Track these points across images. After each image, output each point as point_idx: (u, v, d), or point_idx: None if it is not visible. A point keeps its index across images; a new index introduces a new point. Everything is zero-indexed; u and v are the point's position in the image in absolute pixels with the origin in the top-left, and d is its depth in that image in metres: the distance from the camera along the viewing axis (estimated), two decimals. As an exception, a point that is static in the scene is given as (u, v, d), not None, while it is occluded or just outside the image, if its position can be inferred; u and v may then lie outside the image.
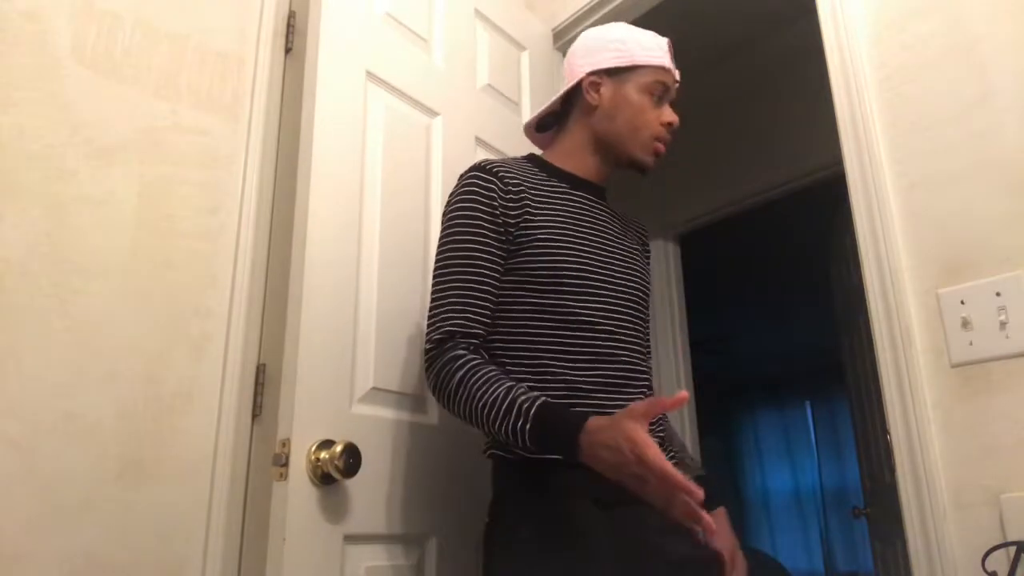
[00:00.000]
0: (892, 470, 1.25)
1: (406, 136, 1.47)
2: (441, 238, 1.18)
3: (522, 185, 1.19)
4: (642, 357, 1.20)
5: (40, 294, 1.23)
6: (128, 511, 1.26)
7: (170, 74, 1.48)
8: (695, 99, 2.92)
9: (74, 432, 1.22)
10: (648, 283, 1.28)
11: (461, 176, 1.21)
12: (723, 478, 7.36)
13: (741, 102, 2.88)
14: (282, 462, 1.12)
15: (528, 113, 1.80)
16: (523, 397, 1.02)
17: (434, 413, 1.37)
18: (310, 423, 1.16)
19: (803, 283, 4.83)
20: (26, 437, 1.17)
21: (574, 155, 1.28)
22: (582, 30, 1.83)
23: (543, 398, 1.02)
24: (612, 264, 1.20)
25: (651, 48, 1.25)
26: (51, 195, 1.27)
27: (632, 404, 0.95)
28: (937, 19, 1.28)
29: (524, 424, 1.00)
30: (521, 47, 1.87)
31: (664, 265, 2.88)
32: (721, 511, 1.20)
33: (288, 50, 1.66)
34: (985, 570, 1.06)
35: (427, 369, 1.12)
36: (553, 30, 1.99)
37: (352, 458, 1.14)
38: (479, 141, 1.64)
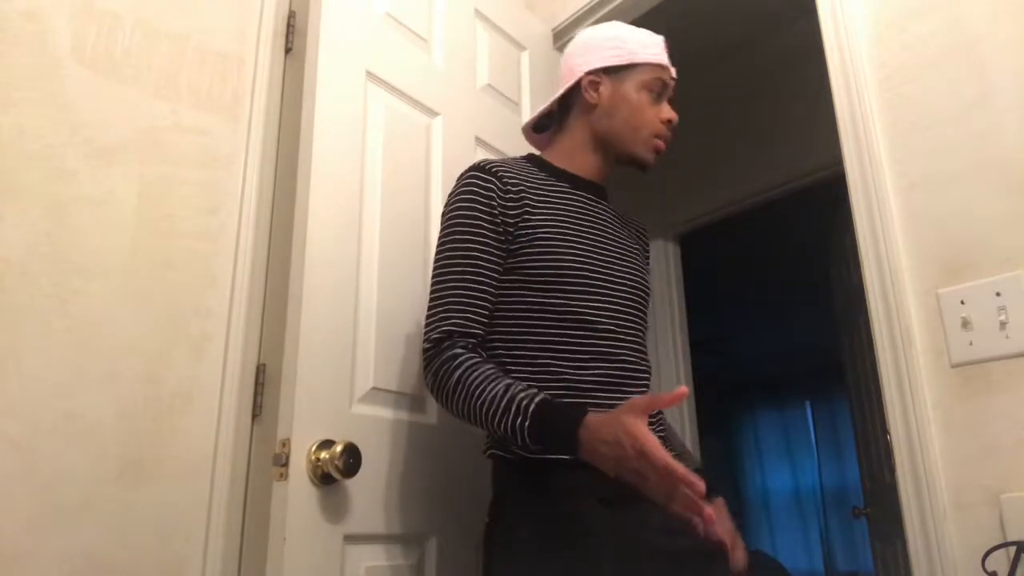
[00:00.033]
0: (892, 470, 1.25)
1: (406, 136, 1.47)
2: (440, 238, 1.18)
3: (521, 185, 1.19)
4: (642, 356, 1.20)
5: (40, 294, 1.23)
6: (128, 511, 1.26)
7: (170, 74, 1.48)
8: (695, 99, 2.92)
9: (74, 432, 1.22)
10: (648, 282, 1.28)
11: (460, 176, 1.21)
12: (723, 478, 7.35)
13: (741, 102, 2.88)
14: (282, 462, 1.12)
15: (528, 113, 1.80)
16: (522, 394, 1.02)
17: (434, 413, 1.37)
18: (310, 423, 1.16)
19: (803, 283, 4.83)
20: (26, 437, 1.17)
21: (574, 154, 1.28)
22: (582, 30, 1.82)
23: (542, 395, 1.02)
24: (612, 263, 1.20)
25: (649, 46, 1.26)
26: (51, 195, 1.27)
27: (632, 399, 0.95)
28: (937, 19, 1.28)
29: (523, 421, 1.00)
30: (521, 47, 1.87)
31: (664, 265, 2.88)
32: (720, 501, 1.20)
33: (288, 50, 1.66)
34: (985, 570, 1.06)
35: (425, 368, 1.12)
36: (553, 30, 1.99)
37: (352, 458, 1.14)
38: (479, 141, 1.64)
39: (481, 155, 1.63)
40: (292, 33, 1.67)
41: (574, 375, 1.11)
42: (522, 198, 1.17)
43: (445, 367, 1.08)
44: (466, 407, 1.06)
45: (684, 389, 0.90)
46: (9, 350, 1.18)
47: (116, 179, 1.36)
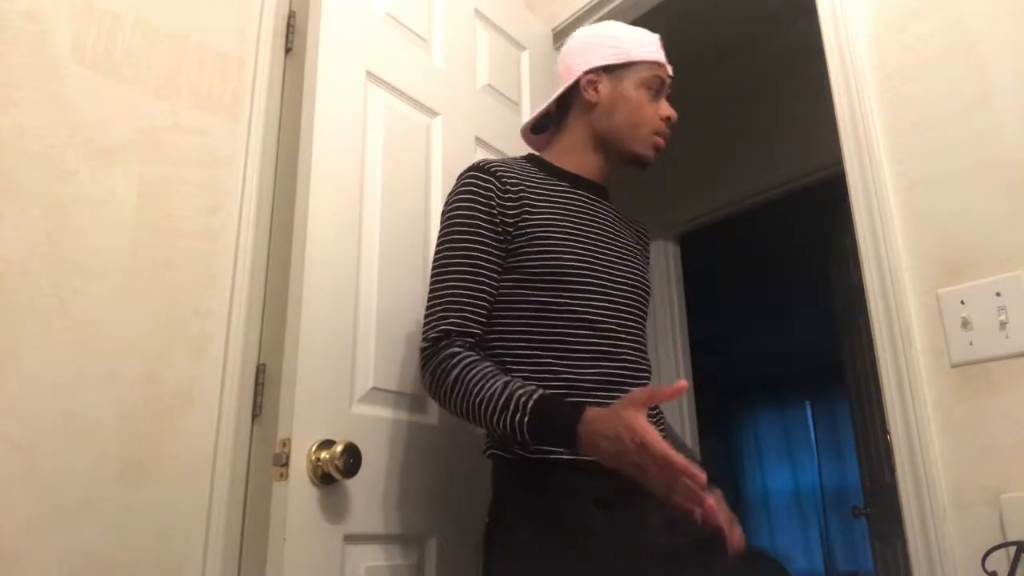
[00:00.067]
0: (892, 470, 1.25)
1: (406, 136, 1.47)
2: (439, 238, 1.19)
3: (521, 184, 1.19)
4: (643, 355, 1.21)
5: (40, 294, 1.23)
6: (128, 511, 1.26)
7: (170, 74, 1.48)
8: (695, 99, 2.92)
9: (74, 432, 1.22)
10: (648, 281, 1.28)
11: (459, 176, 1.21)
12: (723, 478, 7.35)
13: (741, 102, 2.88)
14: (282, 462, 1.12)
15: (528, 113, 1.80)
16: (520, 391, 1.02)
17: (434, 413, 1.37)
18: (310, 423, 1.16)
19: (803, 283, 4.83)
20: (26, 437, 1.17)
21: (574, 154, 1.28)
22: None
23: (541, 391, 1.02)
24: (613, 262, 1.20)
25: (646, 44, 1.27)
26: (51, 195, 1.27)
27: (631, 393, 0.95)
28: (937, 19, 1.28)
29: (522, 418, 1.00)
30: (521, 47, 1.87)
31: (664, 265, 2.88)
32: (717, 492, 1.20)
33: (288, 50, 1.66)
34: (985, 570, 1.06)
35: (423, 367, 1.12)
36: (553, 30, 1.99)
37: (352, 458, 1.14)
38: (479, 141, 1.64)
39: (481, 155, 1.63)
40: (292, 33, 1.67)
41: (575, 374, 1.11)
42: (521, 198, 1.17)
43: (443, 365, 1.08)
44: (464, 405, 1.06)
45: (683, 383, 0.90)
46: (9, 350, 1.18)
47: (116, 179, 1.36)
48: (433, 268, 1.17)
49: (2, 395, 1.16)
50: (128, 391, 1.30)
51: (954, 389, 1.16)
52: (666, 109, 1.26)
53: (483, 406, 1.03)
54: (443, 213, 1.20)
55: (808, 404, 7.19)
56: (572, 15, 1.95)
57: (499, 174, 1.18)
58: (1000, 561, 1.05)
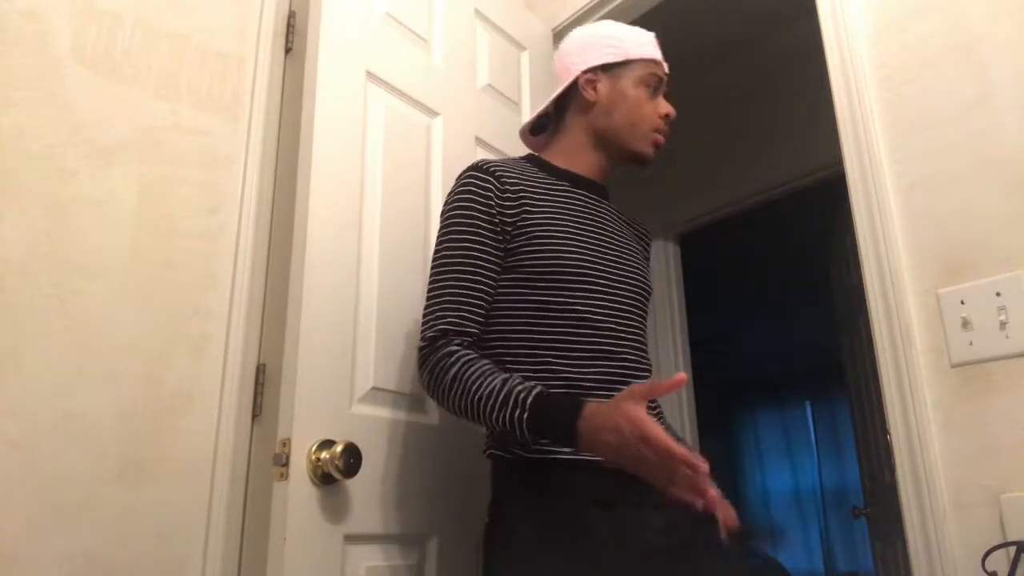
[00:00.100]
0: (892, 470, 1.25)
1: (406, 136, 1.47)
2: (438, 237, 1.19)
3: (520, 184, 1.19)
4: (643, 354, 1.21)
5: (40, 294, 1.23)
6: (128, 511, 1.26)
7: (170, 74, 1.48)
8: (695, 99, 2.92)
9: (74, 432, 1.22)
10: (649, 281, 1.28)
11: (458, 176, 1.22)
12: (723, 478, 7.35)
13: (741, 102, 2.88)
14: (282, 462, 1.12)
15: (528, 113, 1.80)
16: (520, 387, 1.02)
17: (434, 413, 1.37)
18: (310, 423, 1.16)
19: (803, 283, 4.83)
20: (26, 437, 1.17)
21: (574, 153, 1.28)
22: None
23: (540, 387, 1.02)
24: (613, 261, 1.20)
25: (643, 42, 1.28)
26: (51, 195, 1.27)
27: (631, 386, 0.95)
28: (937, 19, 1.28)
29: (522, 414, 1.00)
30: (521, 47, 1.87)
31: (664, 265, 2.88)
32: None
33: (288, 50, 1.66)
34: (985, 570, 1.06)
35: (420, 366, 1.12)
36: (553, 30, 1.99)
37: (352, 458, 1.14)
38: (479, 141, 1.64)
39: (481, 155, 1.63)
40: (292, 33, 1.67)
41: (575, 373, 1.11)
42: (520, 197, 1.17)
43: (441, 364, 1.08)
44: (463, 402, 1.06)
45: (683, 375, 0.89)
46: (9, 350, 1.18)
47: (116, 179, 1.36)
48: (432, 268, 1.17)
49: (2, 395, 1.16)
50: (128, 391, 1.30)
51: (954, 389, 1.16)
52: (665, 106, 1.27)
53: (482, 403, 1.03)
54: (442, 213, 1.20)
55: (808, 404, 7.19)
56: (572, 15, 1.95)
57: (498, 174, 1.18)
58: (1000, 561, 1.05)
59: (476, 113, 1.65)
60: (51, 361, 1.22)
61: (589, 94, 1.25)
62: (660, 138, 1.26)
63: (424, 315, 1.14)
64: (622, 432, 0.91)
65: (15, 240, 1.22)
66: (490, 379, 1.04)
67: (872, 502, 2.49)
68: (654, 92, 1.27)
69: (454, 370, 1.07)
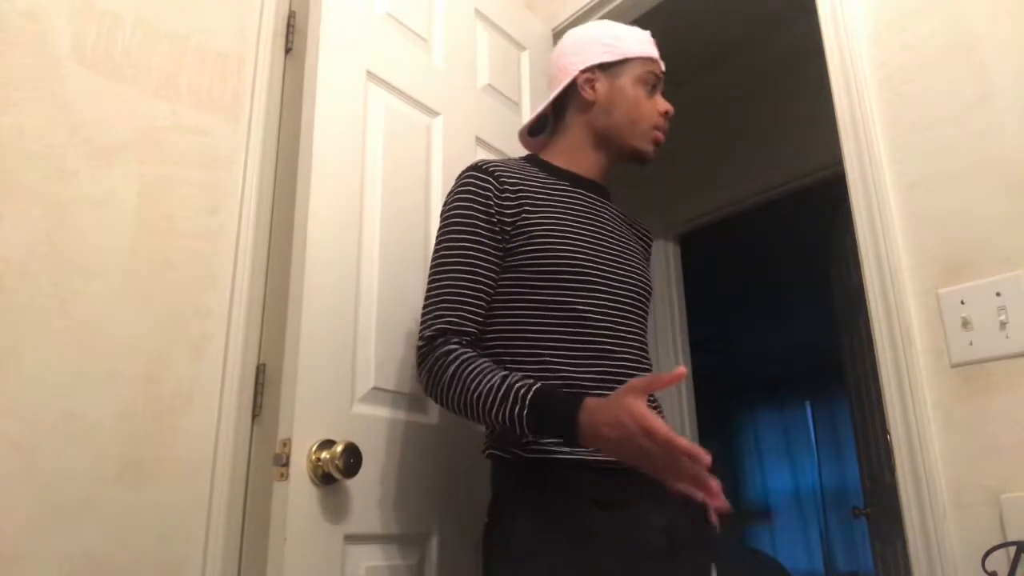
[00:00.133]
0: (892, 470, 1.25)
1: (406, 136, 1.47)
2: (437, 237, 1.19)
3: (520, 184, 1.19)
4: (643, 354, 1.21)
5: (40, 294, 1.23)
6: (128, 511, 1.26)
7: (170, 74, 1.48)
8: (695, 99, 2.92)
9: (74, 432, 1.22)
10: (649, 280, 1.28)
11: (458, 176, 1.22)
12: (723, 478, 7.35)
13: (741, 102, 2.88)
14: (283, 462, 1.12)
15: (528, 113, 1.80)
16: (519, 383, 1.02)
17: (435, 413, 1.37)
18: (311, 423, 1.16)
19: (803, 283, 4.83)
20: (26, 437, 1.17)
21: (574, 153, 1.28)
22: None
23: (540, 383, 1.02)
24: (613, 260, 1.20)
25: (640, 41, 1.29)
26: (51, 195, 1.27)
27: (631, 380, 0.95)
28: (937, 19, 1.28)
29: (521, 410, 1.00)
30: (521, 47, 1.87)
31: (664, 265, 2.88)
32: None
33: (288, 50, 1.66)
34: (985, 570, 1.06)
35: (419, 366, 1.12)
36: (553, 30, 1.99)
37: (353, 458, 1.14)
38: (479, 141, 1.64)
39: (481, 155, 1.63)
40: (292, 33, 1.67)
41: (574, 372, 1.11)
42: (520, 197, 1.17)
43: (440, 362, 1.08)
44: (463, 400, 1.06)
45: (682, 369, 0.89)
46: (9, 350, 1.18)
47: (116, 179, 1.36)
48: (430, 267, 1.17)
49: (2, 395, 1.16)
50: (128, 391, 1.30)
51: (954, 389, 1.16)
52: (663, 104, 1.28)
53: (481, 400, 1.03)
54: (441, 213, 1.20)
55: (808, 404, 7.19)
56: (572, 15, 1.95)
57: (497, 174, 1.18)
58: (1000, 561, 1.05)
59: (476, 113, 1.65)
60: (51, 361, 1.22)
61: (588, 93, 1.26)
62: (660, 135, 1.27)
63: (423, 315, 1.14)
64: (623, 425, 0.91)
65: (15, 240, 1.22)
66: (489, 376, 1.04)
67: (872, 502, 2.49)
68: (652, 90, 1.27)
69: (452, 368, 1.07)
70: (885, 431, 1.26)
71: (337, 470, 1.12)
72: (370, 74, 1.42)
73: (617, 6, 1.89)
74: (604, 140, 1.27)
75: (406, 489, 1.28)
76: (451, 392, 1.07)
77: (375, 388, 1.28)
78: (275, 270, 1.51)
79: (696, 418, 2.80)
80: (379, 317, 1.32)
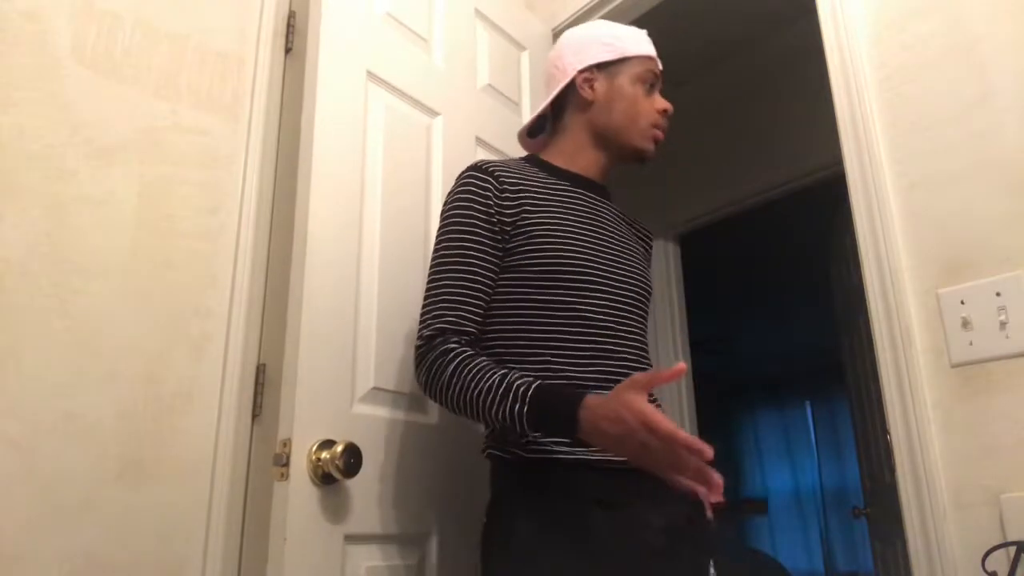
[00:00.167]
0: (892, 470, 1.25)
1: (406, 136, 1.47)
2: (436, 237, 1.19)
3: (520, 184, 1.19)
4: (643, 354, 1.21)
5: (40, 294, 1.23)
6: (128, 511, 1.26)
7: (170, 74, 1.48)
8: (695, 99, 2.92)
9: (74, 432, 1.22)
10: (649, 281, 1.28)
11: (458, 176, 1.22)
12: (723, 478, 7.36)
13: (741, 102, 2.88)
14: (283, 462, 1.12)
15: (528, 113, 1.80)
16: (519, 381, 1.01)
17: (435, 413, 1.37)
18: (311, 423, 1.16)
19: (803, 283, 4.83)
20: (26, 437, 1.17)
21: (574, 153, 1.28)
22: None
23: (540, 381, 1.02)
24: (613, 260, 1.20)
25: (637, 40, 1.29)
26: (51, 195, 1.27)
27: (632, 376, 0.94)
28: (937, 19, 1.28)
29: (521, 407, 1.00)
30: (521, 47, 1.87)
31: (664, 265, 2.88)
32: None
33: (288, 50, 1.66)
34: (985, 570, 1.06)
35: (417, 365, 1.12)
36: (553, 30, 1.99)
37: (353, 458, 1.14)
38: (479, 141, 1.64)
39: (481, 155, 1.63)
40: (292, 33, 1.67)
41: (575, 372, 1.11)
42: (520, 197, 1.17)
43: (439, 361, 1.08)
44: (462, 399, 1.05)
45: (682, 365, 0.89)
46: (9, 350, 1.18)
47: (116, 179, 1.36)
48: (430, 267, 1.17)
49: (2, 395, 1.16)
50: (128, 391, 1.30)
51: (954, 389, 1.16)
52: (662, 102, 1.28)
53: (481, 398, 1.03)
54: (441, 213, 1.20)
55: (808, 404, 7.19)
56: (572, 15, 1.95)
57: (497, 174, 1.18)
58: (1000, 561, 1.05)
59: (476, 113, 1.65)
60: (51, 361, 1.22)
61: (587, 93, 1.26)
62: (659, 134, 1.27)
63: (422, 314, 1.14)
64: (624, 421, 0.90)
65: (15, 240, 1.22)
66: (489, 374, 1.04)
67: (872, 502, 2.49)
68: (651, 88, 1.28)
69: (452, 367, 1.07)
70: (885, 431, 1.26)
71: (337, 470, 1.12)
72: (370, 74, 1.42)
73: (617, 6, 1.89)
74: (604, 139, 1.27)
75: (406, 489, 1.28)
76: (451, 391, 1.07)
77: (375, 388, 1.28)
78: (275, 270, 1.51)
79: (696, 418, 2.80)
80: (379, 317, 1.32)
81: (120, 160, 1.37)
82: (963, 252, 1.18)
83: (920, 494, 1.16)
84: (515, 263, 1.15)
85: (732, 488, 7.40)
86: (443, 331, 1.11)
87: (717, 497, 0.89)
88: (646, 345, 1.24)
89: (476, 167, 1.20)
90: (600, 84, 1.26)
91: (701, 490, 0.90)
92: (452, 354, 1.08)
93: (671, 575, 1.06)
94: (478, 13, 1.74)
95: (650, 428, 0.88)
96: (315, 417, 1.17)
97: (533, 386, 1.00)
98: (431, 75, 1.56)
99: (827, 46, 1.41)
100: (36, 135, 1.28)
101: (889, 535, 2.17)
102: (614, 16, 1.88)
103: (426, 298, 1.15)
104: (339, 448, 1.13)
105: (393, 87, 1.47)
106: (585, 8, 1.93)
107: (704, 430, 3.01)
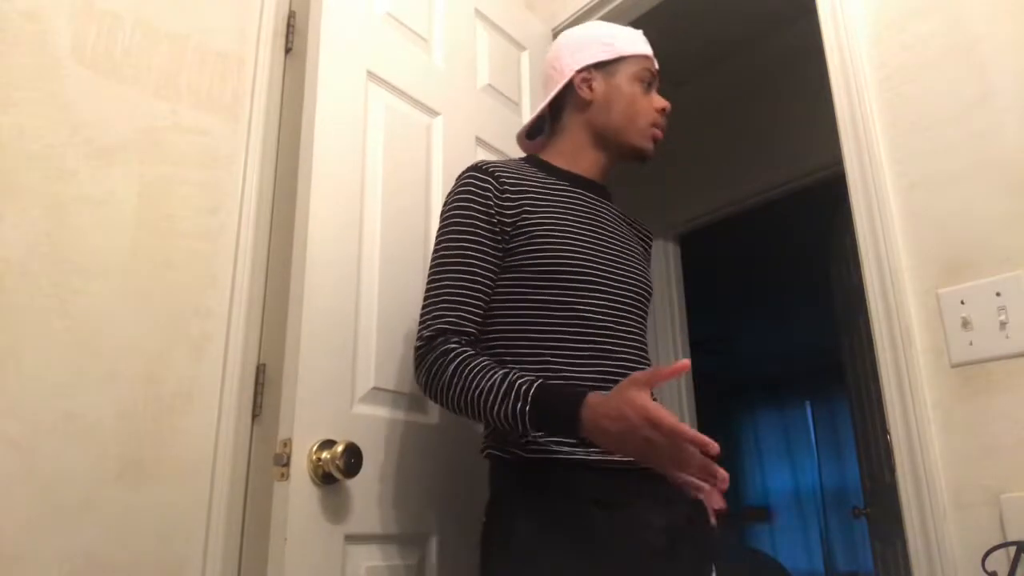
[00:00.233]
0: (892, 470, 1.25)
1: (406, 136, 1.47)
2: (436, 238, 1.19)
3: (520, 185, 1.19)
4: (643, 354, 1.21)
5: (40, 294, 1.23)
6: (128, 511, 1.26)
7: (170, 74, 1.48)
8: (695, 99, 2.92)
9: (74, 432, 1.22)
10: (649, 281, 1.28)
11: (458, 177, 1.22)
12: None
13: (741, 102, 2.88)
14: (283, 462, 1.12)
15: (528, 113, 1.80)
16: (520, 380, 1.01)
17: (435, 413, 1.37)
18: (311, 423, 1.16)
19: (803, 283, 4.83)
20: (26, 437, 1.17)
21: (574, 153, 1.28)
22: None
23: (541, 380, 1.02)
24: (613, 261, 1.20)
25: (634, 39, 1.29)
26: (51, 195, 1.27)
27: (633, 374, 0.94)
28: (937, 19, 1.28)
29: (523, 406, 0.99)
30: (521, 47, 1.87)
31: (664, 265, 2.88)
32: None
33: (288, 50, 1.66)
34: (985, 570, 1.06)
35: (417, 365, 1.12)
36: (553, 30, 1.99)
37: (353, 458, 1.14)
38: (479, 141, 1.64)
39: (481, 155, 1.63)
40: (292, 33, 1.67)
41: (575, 372, 1.11)
42: (520, 198, 1.17)
43: (439, 361, 1.08)
44: (463, 398, 1.05)
45: (685, 362, 0.89)
46: (9, 350, 1.18)
47: (116, 179, 1.36)
48: (430, 268, 1.17)
49: (2, 395, 1.16)
50: (128, 391, 1.30)
51: (954, 389, 1.16)
52: (660, 100, 1.28)
53: (483, 398, 1.03)
54: (441, 213, 1.20)
55: (808, 404, 7.19)
56: (572, 15, 1.95)
57: (497, 174, 1.18)
58: (1000, 561, 1.05)
59: (476, 113, 1.65)
60: (51, 361, 1.22)
61: (585, 92, 1.26)
62: (658, 132, 1.28)
63: (421, 315, 1.14)
64: (627, 417, 0.90)
65: (15, 240, 1.22)
66: (490, 374, 1.04)
67: (872, 502, 2.49)
68: (648, 87, 1.28)
69: (453, 367, 1.06)
70: (885, 431, 1.26)
71: (338, 470, 1.12)
72: (370, 74, 1.42)
73: (617, 6, 1.88)
74: (603, 139, 1.27)
75: (406, 489, 1.28)
76: (452, 391, 1.07)
77: (375, 388, 1.28)
78: (275, 270, 1.51)
79: (696, 418, 2.80)
80: (379, 317, 1.33)
81: (120, 160, 1.37)
82: (963, 252, 1.18)
83: (920, 494, 1.16)
84: (515, 263, 1.15)
85: (732, 491, 7.40)
86: (443, 331, 1.11)
87: (723, 489, 0.89)
88: (645, 345, 1.24)
89: (476, 167, 1.20)
90: (598, 84, 1.26)
91: (705, 486, 0.89)
92: (452, 354, 1.08)
93: (671, 575, 1.06)
94: (478, 13, 1.74)
95: (653, 423, 0.88)
96: (315, 417, 1.17)
97: (535, 385, 1.00)
98: (431, 75, 1.56)
99: (827, 46, 1.41)
100: (36, 135, 1.28)
101: (889, 535, 2.18)
102: (614, 16, 1.88)
103: (426, 298, 1.15)
104: (339, 448, 1.13)
105: (393, 87, 1.47)
106: (585, 8, 1.93)
107: (704, 430, 3.01)
